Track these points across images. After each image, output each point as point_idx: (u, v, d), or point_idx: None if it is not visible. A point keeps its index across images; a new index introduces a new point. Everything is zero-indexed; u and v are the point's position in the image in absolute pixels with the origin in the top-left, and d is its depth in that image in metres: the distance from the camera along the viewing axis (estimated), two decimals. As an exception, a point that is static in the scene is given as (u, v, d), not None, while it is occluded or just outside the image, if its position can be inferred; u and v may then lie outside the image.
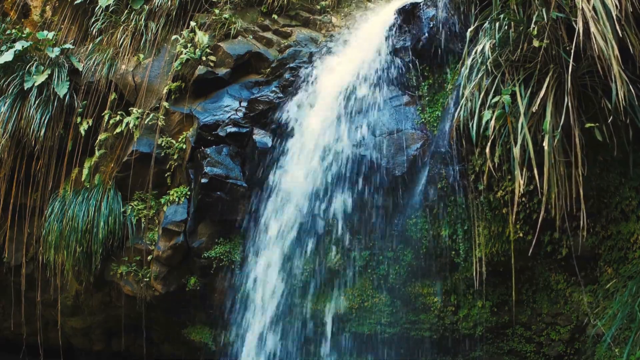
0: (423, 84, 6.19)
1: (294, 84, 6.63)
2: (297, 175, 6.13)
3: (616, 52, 3.87)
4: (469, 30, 5.06)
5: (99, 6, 7.72)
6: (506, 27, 4.68)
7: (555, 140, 4.27)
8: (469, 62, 4.87)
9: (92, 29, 7.79)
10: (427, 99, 6.11)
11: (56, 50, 7.45)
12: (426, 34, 6.11)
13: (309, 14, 7.56)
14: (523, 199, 4.90)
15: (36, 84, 7.19)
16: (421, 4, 6.27)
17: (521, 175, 4.38)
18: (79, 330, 8.15)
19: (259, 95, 6.69)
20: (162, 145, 6.93)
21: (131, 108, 7.14)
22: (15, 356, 8.16)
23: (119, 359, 8.35)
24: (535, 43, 4.36)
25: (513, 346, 5.75)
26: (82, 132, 7.22)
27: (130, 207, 7.01)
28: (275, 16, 7.45)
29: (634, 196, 4.66)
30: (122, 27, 7.60)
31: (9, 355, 8.45)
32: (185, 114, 6.97)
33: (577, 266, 5.06)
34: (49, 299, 7.66)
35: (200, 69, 6.94)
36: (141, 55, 7.35)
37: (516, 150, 4.34)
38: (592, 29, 3.89)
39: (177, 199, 6.78)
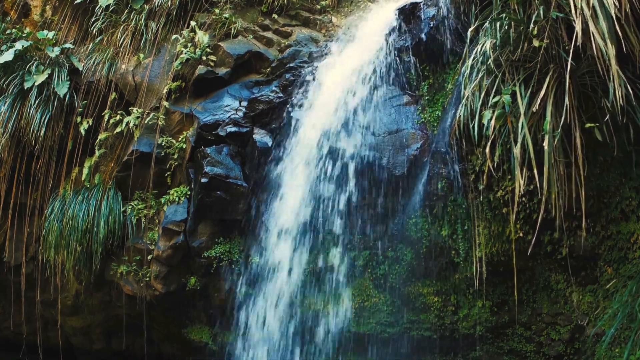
0: (423, 83, 6.19)
1: (294, 83, 6.63)
2: (297, 174, 6.14)
3: (615, 51, 3.87)
4: (470, 30, 5.05)
5: (99, 6, 7.72)
6: (506, 26, 4.68)
7: (555, 140, 4.27)
8: (469, 61, 4.86)
9: (92, 28, 7.79)
10: (427, 98, 6.11)
11: (56, 50, 7.45)
12: (426, 34, 6.11)
13: (309, 14, 7.56)
14: (523, 198, 4.90)
15: (36, 84, 7.19)
16: (421, 3, 6.27)
17: (521, 175, 4.38)
18: (78, 329, 8.15)
19: (259, 95, 6.69)
20: (162, 144, 6.93)
21: (131, 108, 7.14)
22: (15, 355, 8.16)
23: (118, 358, 8.35)
24: (535, 43, 4.36)
25: (513, 346, 5.75)
26: (82, 132, 7.23)
27: (130, 206, 7.01)
28: (275, 16, 7.46)
29: (634, 196, 4.66)
30: (122, 27, 7.61)
31: (9, 354, 8.45)
32: (185, 114, 6.97)
33: (574, 267, 5.06)
34: (48, 299, 7.66)
35: (201, 69, 6.94)
36: (141, 55, 7.35)
37: (516, 150, 4.34)
38: (592, 28, 3.89)
39: (177, 199, 6.78)
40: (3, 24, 8.11)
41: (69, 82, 7.31)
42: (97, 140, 7.22)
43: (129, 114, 7.09)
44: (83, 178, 7.24)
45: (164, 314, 7.20)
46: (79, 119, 7.32)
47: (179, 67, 7.00)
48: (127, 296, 7.17)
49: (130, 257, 6.93)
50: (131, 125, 6.96)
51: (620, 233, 4.78)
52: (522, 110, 4.34)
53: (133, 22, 7.52)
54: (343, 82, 6.38)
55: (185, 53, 6.97)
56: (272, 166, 6.34)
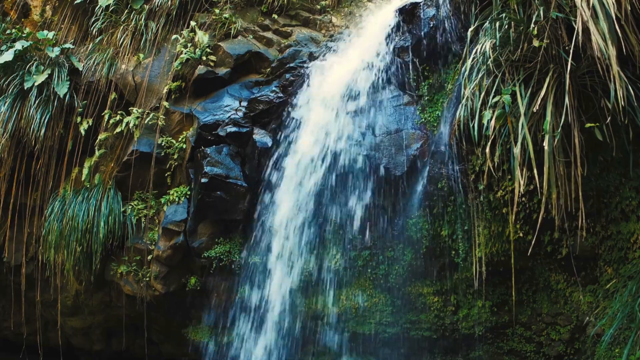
0: (423, 84, 6.19)
1: (294, 83, 6.63)
2: (296, 174, 6.14)
3: (615, 52, 3.87)
4: (470, 30, 5.06)
5: (99, 6, 7.71)
6: (506, 26, 4.68)
7: (555, 140, 4.27)
8: (469, 61, 4.87)
9: (92, 28, 7.78)
10: (427, 98, 6.11)
11: (56, 50, 7.45)
12: (426, 34, 6.11)
13: (309, 14, 7.56)
14: (523, 199, 4.90)
15: (36, 84, 7.19)
16: (421, 3, 6.26)
17: (521, 175, 4.38)
18: (79, 330, 8.15)
19: (259, 95, 6.69)
20: (162, 145, 6.93)
21: (131, 108, 7.14)
22: (15, 356, 8.16)
23: (119, 358, 8.36)
24: (535, 43, 4.36)
25: (513, 346, 5.75)
26: (82, 132, 7.22)
27: (130, 206, 7.01)
28: (275, 16, 7.45)
29: (634, 196, 4.66)
30: (122, 27, 7.60)
31: (9, 354, 8.45)
32: (185, 114, 6.97)
33: (576, 267, 5.06)
34: (48, 299, 7.66)
35: (201, 69, 6.94)
36: (141, 55, 7.35)
37: (516, 150, 4.34)
38: (592, 28, 3.89)
39: (177, 199, 6.78)
40: (3, 24, 8.11)
41: (69, 82, 7.30)
42: (97, 140, 7.22)
43: (129, 114, 7.09)
44: (83, 178, 7.24)
45: (164, 314, 7.20)
46: (79, 119, 7.32)
47: (179, 67, 7.00)
48: (127, 296, 7.17)
49: (130, 257, 6.93)
50: (131, 125, 6.95)
51: (620, 233, 4.78)
52: (522, 110, 4.35)
53: (133, 22, 7.52)
54: (343, 82, 6.38)
55: (185, 53, 6.97)
56: (272, 166, 6.33)
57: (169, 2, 7.43)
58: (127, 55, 7.44)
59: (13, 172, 7.51)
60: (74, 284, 7.52)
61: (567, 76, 4.12)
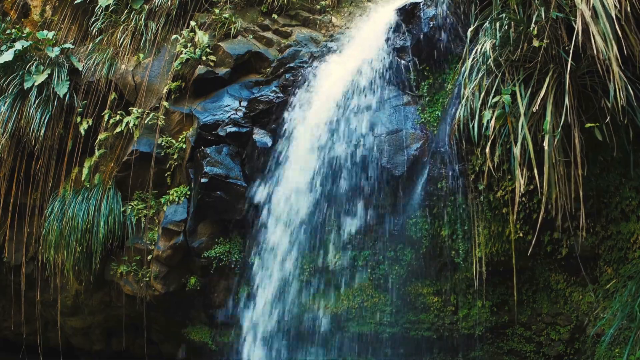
0: (423, 84, 6.19)
1: (294, 83, 6.63)
2: (296, 174, 6.14)
3: (615, 52, 3.87)
4: (469, 30, 5.06)
5: (99, 6, 7.71)
6: (506, 27, 4.68)
7: (556, 140, 4.27)
8: (469, 61, 4.87)
9: (92, 28, 7.78)
10: (427, 98, 6.11)
11: (56, 50, 7.45)
12: (426, 34, 6.11)
13: (309, 14, 7.56)
14: (523, 198, 4.90)
15: (36, 84, 7.19)
16: (421, 3, 6.26)
17: (521, 175, 4.38)
18: (78, 330, 8.15)
19: (259, 95, 6.69)
20: (162, 144, 6.93)
21: (131, 108, 7.14)
22: (15, 356, 8.16)
23: (118, 359, 8.36)
24: (535, 43, 4.36)
25: (513, 346, 5.75)
26: (82, 132, 7.22)
27: (130, 206, 7.01)
28: (275, 16, 7.45)
29: (634, 196, 4.66)
30: (122, 27, 7.60)
31: (9, 354, 8.45)
32: (185, 114, 6.97)
33: (574, 267, 5.06)
34: (48, 299, 7.66)
35: (200, 69, 6.94)
36: (141, 55, 7.35)
37: (516, 150, 4.34)
38: (592, 29, 3.89)
39: (177, 199, 6.78)
40: (3, 24, 8.11)
41: (68, 82, 7.30)
42: (97, 140, 7.22)
43: (128, 114, 7.09)
44: (83, 178, 7.24)
45: (164, 314, 7.20)
46: (78, 119, 7.32)
47: (179, 67, 7.00)
48: (127, 296, 7.17)
49: (130, 257, 6.93)
50: (131, 125, 6.95)
51: (620, 233, 4.78)
52: (522, 110, 4.35)
53: (133, 22, 7.51)
54: (343, 82, 6.38)
55: (185, 53, 6.97)
56: (271, 167, 6.34)
57: (169, 2, 7.43)
58: (127, 55, 7.44)
59: (13, 172, 7.51)
60: (73, 284, 7.52)
61: (567, 76, 4.12)
